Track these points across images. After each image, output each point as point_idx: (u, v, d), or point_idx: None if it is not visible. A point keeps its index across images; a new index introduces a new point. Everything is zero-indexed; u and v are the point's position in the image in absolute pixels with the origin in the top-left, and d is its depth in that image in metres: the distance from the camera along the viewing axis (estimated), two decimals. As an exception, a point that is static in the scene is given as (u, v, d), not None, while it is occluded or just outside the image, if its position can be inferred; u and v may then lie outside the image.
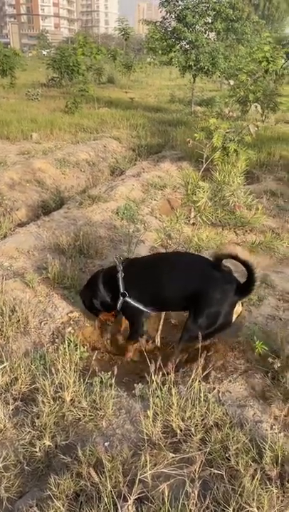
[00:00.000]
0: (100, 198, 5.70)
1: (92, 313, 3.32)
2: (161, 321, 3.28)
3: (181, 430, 2.26)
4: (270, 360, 2.73)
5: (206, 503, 1.81)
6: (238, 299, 2.84)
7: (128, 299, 3.01)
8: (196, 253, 3.85)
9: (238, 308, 2.86)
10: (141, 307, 3.02)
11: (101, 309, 3.22)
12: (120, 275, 3.02)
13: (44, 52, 48.57)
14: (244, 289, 2.80)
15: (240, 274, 2.91)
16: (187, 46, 12.96)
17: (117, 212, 5.38)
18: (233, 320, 2.87)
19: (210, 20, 12.86)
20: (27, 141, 8.95)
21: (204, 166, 5.26)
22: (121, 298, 3.02)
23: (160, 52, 13.04)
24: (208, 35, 13.18)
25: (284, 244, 4.87)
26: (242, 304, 2.91)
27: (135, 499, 1.76)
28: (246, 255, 2.78)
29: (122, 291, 3.01)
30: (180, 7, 12.72)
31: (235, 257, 2.80)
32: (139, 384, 2.60)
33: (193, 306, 2.86)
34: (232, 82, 8.73)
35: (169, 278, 2.97)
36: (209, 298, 2.80)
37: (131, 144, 9.88)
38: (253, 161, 7.08)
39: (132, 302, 3.00)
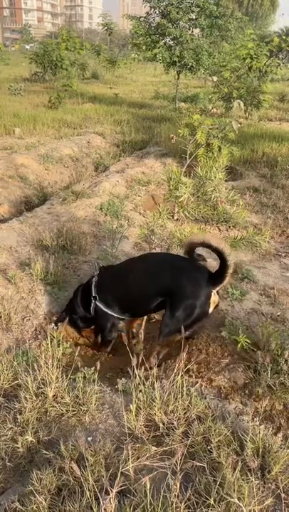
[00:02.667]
0: (83, 194, 5.68)
1: (75, 330, 3.33)
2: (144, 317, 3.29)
3: (163, 424, 2.28)
4: (256, 353, 2.77)
5: (188, 494, 1.83)
6: (212, 289, 2.81)
7: (98, 303, 3.04)
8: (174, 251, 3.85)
9: (214, 298, 2.84)
10: (109, 312, 3.04)
11: (81, 325, 3.26)
12: (94, 280, 3.10)
13: (27, 47, 48.02)
14: (217, 277, 2.77)
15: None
16: (171, 42, 12.95)
17: (101, 208, 5.37)
18: (211, 310, 2.85)
19: (194, 17, 12.87)
20: (9, 137, 8.84)
21: (188, 162, 5.28)
22: (93, 302, 3.07)
23: (144, 48, 13.01)
24: (192, 31, 13.20)
25: (266, 239, 4.92)
26: (218, 293, 2.90)
27: (117, 492, 1.76)
28: (220, 242, 2.72)
29: (93, 294, 3.06)
30: (164, 3, 12.71)
31: (207, 245, 2.76)
32: (122, 379, 2.61)
33: (168, 301, 2.85)
34: (215, 79, 8.76)
35: (138, 280, 2.99)
36: (182, 291, 2.81)
37: (115, 139, 9.85)
38: (237, 158, 7.13)
39: (102, 307, 3.03)
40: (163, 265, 3.02)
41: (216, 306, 2.91)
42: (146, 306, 2.98)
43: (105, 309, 3.04)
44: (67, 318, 3.21)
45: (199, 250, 2.99)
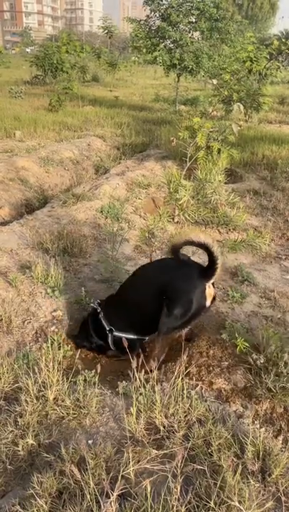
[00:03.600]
0: (84, 197, 5.69)
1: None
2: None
3: (164, 427, 2.28)
4: (254, 356, 2.77)
5: (188, 498, 1.84)
6: (205, 282, 2.81)
7: (116, 333, 3.09)
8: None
9: (210, 290, 2.84)
10: (130, 336, 3.05)
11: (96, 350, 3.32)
12: (101, 314, 3.16)
13: (28, 50, 48.17)
14: (208, 270, 2.78)
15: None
16: (171, 45, 12.99)
17: (102, 211, 5.38)
18: (208, 303, 2.86)
19: (194, 20, 12.91)
20: (10, 139, 8.87)
21: (188, 164, 5.29)
22: (109, 335, 3.12)
23: (144, 50, 13.04)
24: (192, 34, 13.23)
25: (266, 242, 4.93)
26: (213, 285, 2.91)
27: (118, 495, 1.77)
28: (203, 236, 2.72)
29: (107, 328, 3.12)
30: (164, 6, 12.75)
31: (191, 242, 2.77)
32: (123, 382, 2.61)
33: (165, 301, 2.85)
34: (215, 82, 8.78)
35: (140, 296, 3.03)
36: (177, 288, 2.82)
37: (115, 142, 9.87)
38: (237, 161, 7.15)
39: (121, 335, 3.05)
40: (155, 272, 3.08)
41: (214, 298, 2.91)
42: (156, 317, 2.95)
43: (123, 336, 3.03)
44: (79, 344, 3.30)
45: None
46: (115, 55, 27.25)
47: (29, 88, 17.13)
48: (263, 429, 2.29)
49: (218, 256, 2.72)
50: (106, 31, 26.60)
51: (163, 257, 3.91)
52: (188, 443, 2.17)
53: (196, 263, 2.96)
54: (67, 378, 2.52)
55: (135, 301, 3.04)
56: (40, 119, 10.51)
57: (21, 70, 24.67)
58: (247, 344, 2.90)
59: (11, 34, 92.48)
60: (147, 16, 13.31)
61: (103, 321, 3.14)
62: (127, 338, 2.95)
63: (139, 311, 3.03)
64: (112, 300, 3.26)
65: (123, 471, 1.91)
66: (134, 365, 2.30)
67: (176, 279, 2.86)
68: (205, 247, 2.71)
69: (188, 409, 2.37)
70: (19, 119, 10.16)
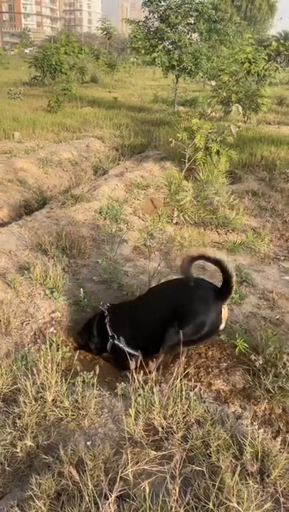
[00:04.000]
0: (82, 198, 5.69)
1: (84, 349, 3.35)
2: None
3: (162, 428, 2.28)
4: (253, 357, 2.77)
5: (187, 499, 1.83)
6: (220, 304, 2.74)
7: (116, 342, 3.06)
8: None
9: (225, 312, 2.78)
10: (128, 349, 2.99)
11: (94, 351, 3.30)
12: (107, 320, 3.13)
13: (26, 51, 48.16)
14: (224, 290, 2.69)
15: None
16: (170, 46, 13.01)
17: (100, 212, 5.38)
18: (223, 326, 2.79)
19: (193, 21, 12.94)
20: (9, 141, 8.87)
21: (187, 165, 5.30)
22: (110, 340, 3.09)
23: (143, 52, 13.07)
24: (190, 35, 13.25)
25: (264, 243, 4.93)
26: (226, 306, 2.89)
27: (117, 497, 1.76)
28: (217, 253, 2.64)
29: (110, 334, 3.09)
30: (163, 7, 12.77)
31: (205, 257, 2.66)
32: (122, 383, 2.61)
33: (177, 318, 2.76)
34: (214, 83, 8.80)
35: (151, 312, 2.98)
36: (192, 310, 2.75)
37: (114, 143, 9.88)
38: (235, 162, 7.16)
39: (120, 345, 3.04)
40: (170, 292, 3.02)
41: (226, 320, 2.85)
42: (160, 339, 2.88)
43: (123, 347, 3.02)
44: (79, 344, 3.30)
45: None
46: (114, 56, 27.27)
47: (28, 89, 17.13)
48: (262, 430, 2.29)
49: (233, 275, 2.61)
50: (105, 32, 26.64)
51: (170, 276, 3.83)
52: (186, 444, 2.17)
53: (210, 283, 2.87)
54: (66, 380, 2.52)
55: (144, 318, 2.98)
56: (39, 120, 10.52)
57: (20, 71, 24.68)
58: (246, 345, 2.90)
59: (10, 35, 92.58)
60: (146, 17, 13.34)
61: (107, 327, 3.11)
62: (121, 350, 2.97)
63: (145, 329, 2.97)
64: (122, 309, 3.21)
65: (121, 473, 1.91)
66: (132, 366, 2.30)
67: (192, 301, 2.77)
68: (219, 265, 2.59)
69: (187, 410, 2.37)
70: (18, 120, 10.16)
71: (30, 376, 2.47)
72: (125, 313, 3.17)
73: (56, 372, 2.50)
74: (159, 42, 12.88)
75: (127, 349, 2.98)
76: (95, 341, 3.22)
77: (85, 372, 2.62)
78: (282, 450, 2.15)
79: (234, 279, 2.64)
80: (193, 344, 2.88)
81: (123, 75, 26.41)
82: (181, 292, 2.88)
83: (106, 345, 3.13)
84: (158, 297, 3.07)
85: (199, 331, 2.74)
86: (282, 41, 13.50)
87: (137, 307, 3.16)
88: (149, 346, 2.93)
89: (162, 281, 3.53)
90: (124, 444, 2.15)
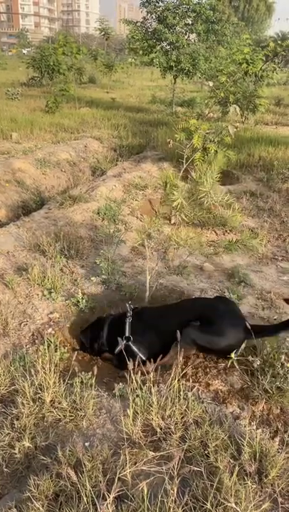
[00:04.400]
0: (80, 199, 5.69)
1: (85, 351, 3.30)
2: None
3: (161, 428, 2.28)
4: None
5: (185, 499, 1.84)
6: (245, 337, 2.81)
7: (132, 345, 2.99)
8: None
9: (242, 345, 2.83)
10: (139, 354, 2.96)
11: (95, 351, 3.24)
12: (128, 320, 3.06)
13: (24, 51, 48.09)
14: (256, 331, 2.77)
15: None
16: (168, 47, 13.02)
17: (98, 213, 5.38)
18: (233, 355, 2.77)
19: (190, 22, 12.94)
20: (6, 141, 8.86)
21: (184, 166, 5.30)
22: (123, 341, 3.00)
23: (141, 52, 13.06)
24: (188, 36, 13.27)
25: (262, 243, 4.94)
26: None
27: (115, 498, 1.76)
28: None
29: (127, 334, 3.01)
30: (161, 8, 12.78)
31: None
32: (120, 384, 2.61)
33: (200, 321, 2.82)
34: (212, 84, 8.81)
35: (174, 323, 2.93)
36: (218, 324, 2.82)
37: (112, 144, 9.88)
38: (233, 162, 7.17)
39: (134, 349, 2.98)
40: (204, 306, 3.08)
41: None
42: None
43: (136, 351, 2.98)
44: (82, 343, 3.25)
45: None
46: (112, 56, 27.28)
47: (26, 90, 17.13)
48: (260, 430, 2.29)
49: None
50: (103, 33, 26.63)
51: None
52: (184, 444, 2.17)
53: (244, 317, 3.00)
54: (64, 380, 2.52)
55: (169, 327, 2.91)
56: (37, 120, 10.51)
57: (18, 72, 24.67)
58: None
59: (8, 36, 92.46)
60: (144, 17, 13.34)
61: (127, 326, 3.02)
62: (132, 353, 2.92)
63: (167, 337, 2.90)
64: (145, 313, 3.17)
65: (120, 473, 1.91)
66: (130, 366, 2.30)
67: (223, 319, 2.87)
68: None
69: (185, 410, 2.37)
70: (16, 121, 10.16)
71: (28, 377, 2.47)
72: (149, 318, 3.12)
73: (54, 373, 2.50)
74: (157, 43, 12.88)
75: (140, 355, 2.93)
76: (102, 341, 3.15)
77: (83, 373, 2.62)
78: (280, 450, 2.15)
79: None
80: (200, 350, 2.89)
81: (121, 75, 26.41)
82: (215, 309, 2.95)
83: (114, 346, 3.05)
84: (188, 308, 3.09)
85: (213, 342, 2.79)
86: (279, 42, 13.53)
87: (164, 314, 3.12)
88: (160, 354, 2.87)
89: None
90: (123, 445, 2.15)
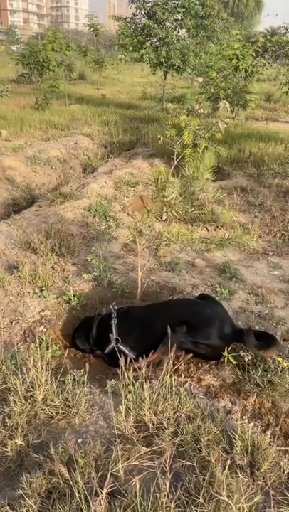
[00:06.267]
0: (71, 196, 5.67)
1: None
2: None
3: (153, 424, 2.28)
4: (241, 353, 2.79)
5: (178, 494, 1.85)
6: (231, 341, 2.87)
7: (121, 346, 2.98)
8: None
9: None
10: (129, 353, 2.95)
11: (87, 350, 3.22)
12: (114, 322, 3.06)
13: (13, 48, 47.60)
14: (242, 336, 2.84)
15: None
16: (158, 43, 12.97)
17: (89, 210, 5.36)
18: (220, 359, 2.85)
19: (180, 17, 12.91)
20: (-4, 139, 8.78)
21: (175, 162, 5.28)
22: (112, 343, 3.00)
23: (131, 48, 13.01)
24: (178, 32, 13.23)
25: (253, 239, 4.96)
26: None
27: (107, 494, 1.77)
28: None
29: (115, 336, 3.01)
30: (150, 4, 12.72)
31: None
32: (112, 380, 2.61)
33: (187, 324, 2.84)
34: (201, 80, 8.80)
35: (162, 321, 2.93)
36: (204, 326, 2.87)
37: (103, 140, 9.84)
38: (224, 158, 7.17)
39: (123, 349, 2.97)
40: (190, 307, 3.13)
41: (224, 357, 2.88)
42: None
43: (127, 352, 2.96)
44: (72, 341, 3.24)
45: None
46: (102, 53, 27.08)
47: (15, 87, 16.96)
48: (252, 424, 2.31)
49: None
50: (92, 29, 26.40)
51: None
52: (177, 439, 2.18)
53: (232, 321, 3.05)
54: (56, 378, 2.52)
55: (157, 325, 2.92)
56: (27, 117, 10.44)
57: (7, 69, 24.41)
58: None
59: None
60: (133, 13, 13.28)
61: (113, 329, 3.03)
62: (122, 354, 2.91)
63: (153, 336, 2.89)
64: (131, 313, 3.17)
65: (112, 469, 1.92)
66: (122, 363, 2.30)
67: (211, 322, 2.91)
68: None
69: (177, 405, 2.38)
70: (5, 118, 10.07)
71: (19, 375, 2.46)
72: (134, 317, 3.12)
73: (46, 370, 2.49)
74: (147, 38, 12.83)
75: (130, 355, 2.92)
76: (92, 341, 3.14)
77: (75, 370, 2.62)
78: (271, 443, 2.17)
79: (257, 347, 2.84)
80: (188, 351, 2.89)
81: (111, 71, 26.21)
82: (201, 314, 2.98)
83: (105, 346, 3.04)
84: (176, 307, 3.15)
85: (201, 348, 2.82)
86: (269, 37, 13.54)
87: (150, 313, 3.13)
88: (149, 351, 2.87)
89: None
90: (115, 441, 2.16)
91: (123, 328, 3.04)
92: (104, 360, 3.13)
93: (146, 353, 2.77)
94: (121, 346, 2.97)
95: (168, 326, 2.67)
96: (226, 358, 2.78)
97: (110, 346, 3.01)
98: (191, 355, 2.85)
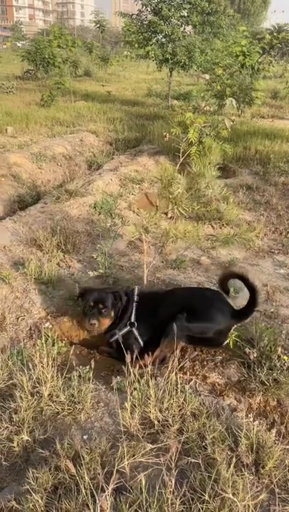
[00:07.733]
0: (77, 193, 5.67)
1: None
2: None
3: (158, 421, 2.29)
4: (247, 350, 2.79)
5: (183, 491, 1.85)
6: (233, 323, 2.93)
7: (134, 330, 3.02)
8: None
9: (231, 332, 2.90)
10: (140, 340, 3.00)
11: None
12: (134, 305, 3.07)
13: (19, 44, 47.59)
14: (242, 313, 2.95)
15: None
16: (163, 40, 12.92)
17: (95, 207, 5.36)
18: (225, 342, 2.90)
19: (186, 14, 12.84)
20: (2, 135, 8.80)
21: (181, 160, 5.28)
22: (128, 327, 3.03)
23: (137, 45, 12.95)
24: (184, 28, 13.17)
25: (259, 237, 4.95)
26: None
27: (113, 490, 1.78)
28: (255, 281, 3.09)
29: (132, 320, 3.03)
30: (156, 0, 12.67)
31: (242, 278, 3.00)
32: (117, 377, 2.62)
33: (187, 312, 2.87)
34: (208, 77, 8.77)
35: (167, 307, 3.01)
36: (204, 313, 2.91)
37: (108, 137, 9.83)
38: (230, 156, 7.15)
39: (136, 334, 3.01)
40: (193, 294, 3.22)
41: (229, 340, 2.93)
42: None
43: (138, 337, 3.01)
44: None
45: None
46: (107, 49, 27.09)
47: (21, 83, 16.98)
48: (257, 422, 2.31)
49: (258, 304, 2.99)
50: (98, 25, 26.41)
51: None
52: (182, 437, 2.19)
53: (231, 305, 3.09)
54: (62, 374, 2.53)
55: (164, 312, 2.97)
56: (32, 114, 10.45)
57: (12, 65, 24.43)
58: (238, 340, 2.91)
59: (2, 28, 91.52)
60: (139, 10, 13.23)
61: (132, 313, 3.02)
62: (131, 342, 2.96)
63: (161, 322, 2.93)
64: (150, 298, 3.18)
65: (118, 466, 1.92)
66: (128, 359, 2.31)
67: (211, 306, 2.99)
68: (252, 291, 2.94)
69: (183, 403, 2.38)
70: (11, 115, 10.09)
71: (26, 371, 2.48)
72: (152, 302, 3.13)
73: (52, 366, 2.50)
74: (153, 35, 12.77)
75: (140, 340, 2.98)
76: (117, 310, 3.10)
77: (80, 366, 2.63)
78: (276, 441, 2.17)
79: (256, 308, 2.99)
80: (191, 342, 2.92)
81: (117, 68, 26.24)
82: (202, 297, 3.09)
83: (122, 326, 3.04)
84: (181, 295, 3.17)
85: (204, 332, 2.85)
86: (275, 34, 13.46)
87: (162, 299, 3.14)
88: (154, 341, 2.93)
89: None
90: (121, 438, 2.17)
91: (141, 312, 3.07)
92: (112, 354, 3.12)
93: (152, 341, 2.85)
94: (134, 331, 3.02)
95: (167, 318, 2.76)
96: (230, 341, 2.85)
97: (124, 331, 3.01)
98: (196, 353, 2.86)
